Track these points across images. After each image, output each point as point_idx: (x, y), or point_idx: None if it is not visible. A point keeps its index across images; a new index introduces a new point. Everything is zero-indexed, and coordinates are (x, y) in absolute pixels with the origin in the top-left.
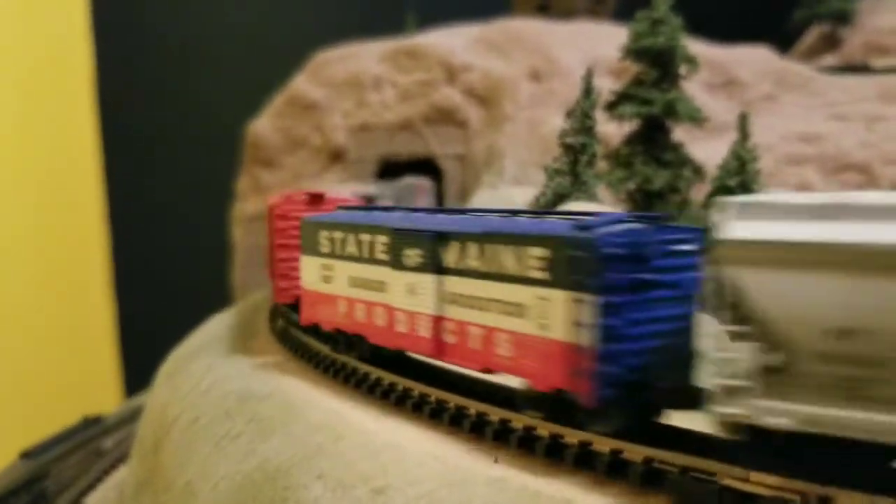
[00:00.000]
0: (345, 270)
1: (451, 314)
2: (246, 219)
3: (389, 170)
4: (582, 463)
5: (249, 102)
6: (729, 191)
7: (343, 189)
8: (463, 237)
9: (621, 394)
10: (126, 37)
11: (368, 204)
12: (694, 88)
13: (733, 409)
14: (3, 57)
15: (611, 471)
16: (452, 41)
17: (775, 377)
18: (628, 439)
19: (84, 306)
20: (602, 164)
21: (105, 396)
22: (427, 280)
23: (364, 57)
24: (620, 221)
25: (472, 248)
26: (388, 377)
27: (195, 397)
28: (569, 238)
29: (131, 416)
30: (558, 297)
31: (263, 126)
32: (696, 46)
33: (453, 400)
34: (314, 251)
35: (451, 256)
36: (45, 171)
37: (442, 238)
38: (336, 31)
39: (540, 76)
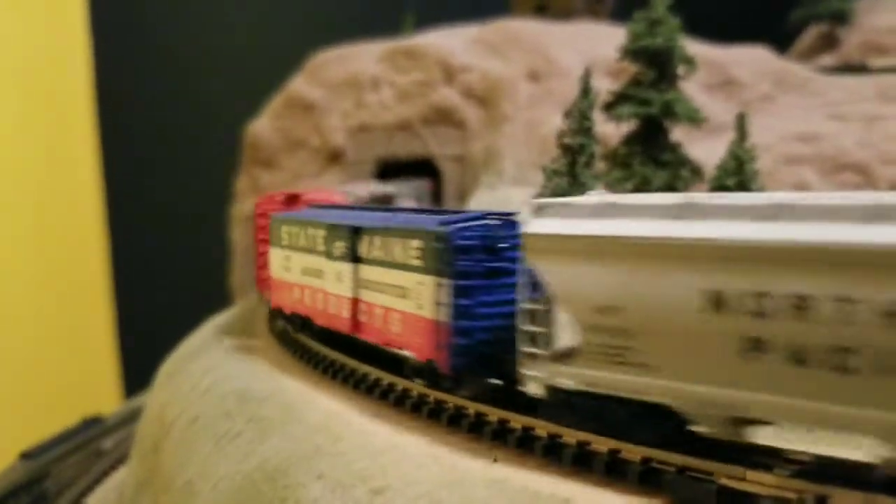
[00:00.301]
0: (298, 261)
1: (364, 297)
2: (245, 219)
3: (388, 170)
4: (580, 463)
5: (248, 103)
6: (727, 191)
7: (361, 189)
8: (370, 231)
9: (474, 363)
10: (125, 37)
11: (386, 203)
12: (692, 89)
13: (536, 373)
14: (2, 57)
15: (609, 470)
16: (451, 42)
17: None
18: (483, 402)
19: (83, 307)
20: (600, 165)
21: (104, 397)
22: (347, 268)
23: (362, 57)
24: (478, 218)
25: (377, 240)
26: (386, 377)
27: (195, 397)
28: (433, 232)
29: (131, 417)
30: (428, 281)
31: (262, 127)
32: (694, 47)
33: (451, 400)
34: (278, 244)
35: (363, 247)
36: (44, 171)
37: (357, 232)
38: (334, 31)
39: (538, 76)
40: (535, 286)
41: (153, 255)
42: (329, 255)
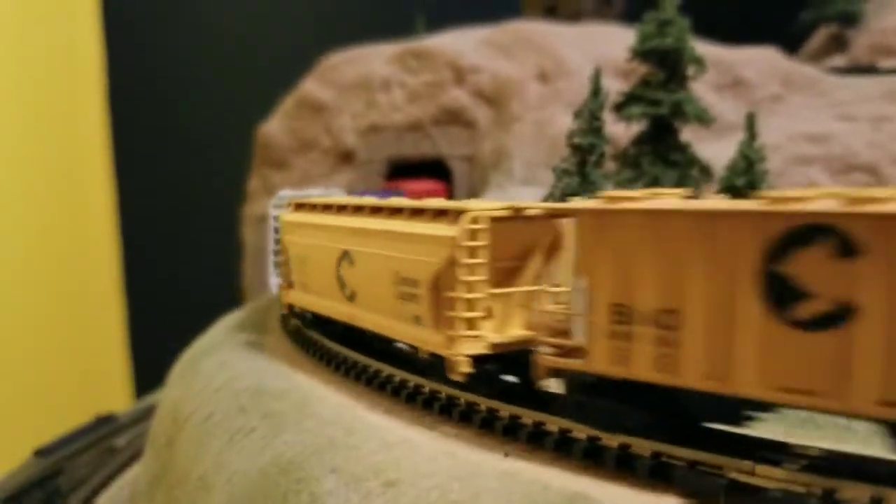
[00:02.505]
0: None
1: None
2: (256, 219)
3: (398, 171)
4: (590, 457)
5: (260, 104)
6: (736, 190)
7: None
8: None
9: None
10: (137, 38)
11: None
12: (701, 89)
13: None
14: (13, 56)
15: (619, 465)
16: (461, 43)
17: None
18: None
19: (96, 307)
20: (610, 165)
21: (117, 395)
22: None
23: (373, 59)
24: None
25: None
26: (399, 374)
27: (208, 394)
28: None
29: (143, 415)
30: None
31: (274, 127)
32: (703, 47)
33: (463, 396)
34: None
35: None
36: (55, 170)
37: None
38: (345, 33)
39: (547, 77)
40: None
41: (165, 254)
42: None
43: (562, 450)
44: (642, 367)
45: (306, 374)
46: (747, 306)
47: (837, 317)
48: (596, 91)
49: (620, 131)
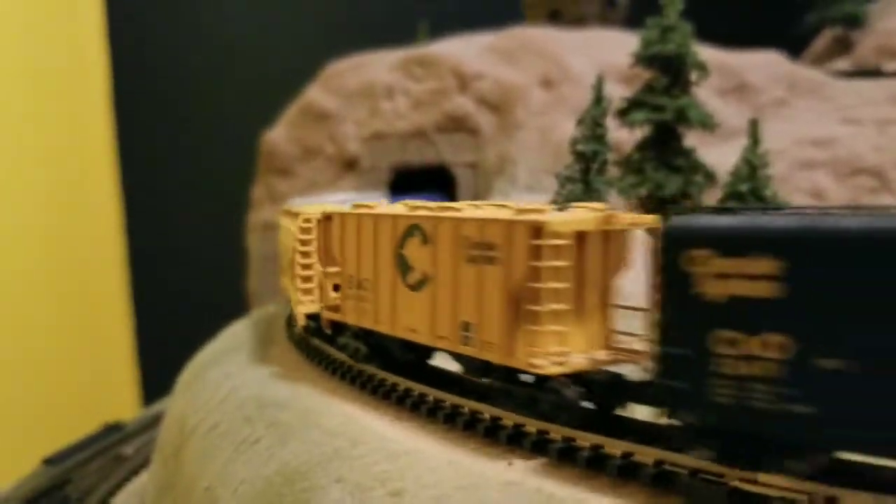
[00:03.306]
0: None
1: None
2: (261, 227)
3: (402, 178)
4: (594, 466)
5: (264, 112)
6: (740, 196)
7: None
8: None
9: None
10: (141, 45)
11: None
12: (705, 94)
13: None
14: (18, 61)
15: (622, 473)
16: (464, 49)
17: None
18: None
19: (102, 314)
20: (613, 171)
21: (124, 404)
22: None
23: (376, 66)
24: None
25: None
26: (403, 383)
27: (214, 404)
28: None
29: (150, 423)
30: None
31: (278, 135)
32: (706, 52)
33: (468, 405)
34: None
35: None
36: (61, 179)
37: None
38: (349, 40)
39: (551, 83)
40: None
41: (171, 261)
42: None
43: (565, 458)
44: (355, 316)
45: (311, 384)
46: (391, 276)
47: (424, 283)
48: (598, 99)
49: (624, 137)
